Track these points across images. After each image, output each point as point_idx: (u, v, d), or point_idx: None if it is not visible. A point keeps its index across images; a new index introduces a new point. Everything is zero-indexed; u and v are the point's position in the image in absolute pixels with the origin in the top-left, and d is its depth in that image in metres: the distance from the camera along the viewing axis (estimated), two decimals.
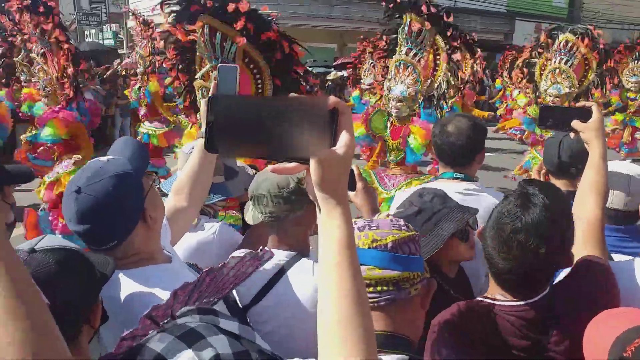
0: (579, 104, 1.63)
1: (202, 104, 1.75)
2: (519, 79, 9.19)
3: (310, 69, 15.32)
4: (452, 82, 4.21)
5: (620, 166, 1.98)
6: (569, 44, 4.83)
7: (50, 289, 0.96)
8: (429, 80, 4.09)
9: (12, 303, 0.68)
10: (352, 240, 0.80)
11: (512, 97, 11.05)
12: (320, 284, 0.81)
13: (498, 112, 12.65)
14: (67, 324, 0.86)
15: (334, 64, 16.78)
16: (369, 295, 1.08)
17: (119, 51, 19.14)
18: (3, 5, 4.49)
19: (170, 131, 7.27)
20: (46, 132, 4.51)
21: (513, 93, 11.08)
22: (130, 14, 8.18)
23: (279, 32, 2.88)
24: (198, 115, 3.05)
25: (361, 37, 10.80)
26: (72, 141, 4.60)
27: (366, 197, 1.76)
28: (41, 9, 4.27)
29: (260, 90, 2.97)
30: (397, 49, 4.06)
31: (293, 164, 0.78)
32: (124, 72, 11.17)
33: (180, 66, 3.15)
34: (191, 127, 3.91)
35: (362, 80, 10.63)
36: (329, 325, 0.78)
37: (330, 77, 15.79)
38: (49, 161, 4.73)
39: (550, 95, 4.93)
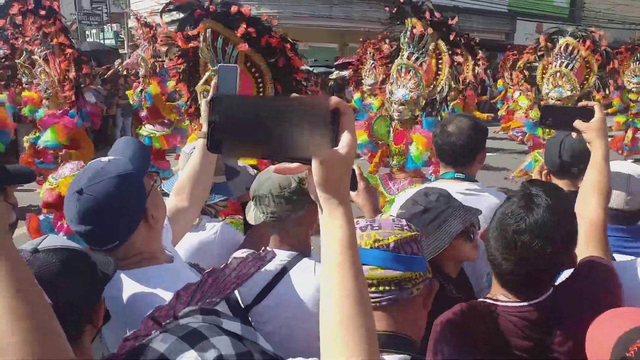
0: (581, 104, 1.63)
1: (203, 104, 1.75)
2: (520, 80, 9.19)
3: (311, 68, 15.37)
4: (454, 86, 4.22)
5: (621, 166, 1.98)
6: (570, 47, 4.84)
7: (54, 288, 0.96)
8: (432, 85, 4.11)
9: (15, 303, 0.68)
10: (354, 240, 0.80)
11: (513, 99, 11.05)
12: (323, 284, 0.81)
13: (499, 113, 12.67)
14: (70, 323, 0.86)
15: (335, 63, 16.79)
16: (371, 295, 1.08)
17: (120, 51, 19.15)
18: (4, 8, 4.51)
19: (171, 133, 7.29)
20: (47, 137, 4.64)
21: (514, 94, 11.08)
22: (130, 14, 8.20)
23: (280, 37, 2.90)
24: (201, 120, 3.07)
25: (360, 39, 10.81)
26: (73, 143, 4.68)
27: (368, 197, 1.76)
28: (43, 13, 4.30)
29: (261, 94, 2.99)
30: (400, 53, 4.09)
31: (295, 164, 0.78)
32: (125, 72, 11.17)
33: (182, 76, 3.17)
34: (194, 131, 3.96)
35: (363, 81, 10.64)
36: (331, 325, 0.78)
37: (333, 76, 15.80)
38: (52, 164, 4.89)
39: (552, 99, 4.94)
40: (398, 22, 4.03)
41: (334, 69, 16.48)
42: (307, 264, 1.67)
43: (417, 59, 3.98)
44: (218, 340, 0.79)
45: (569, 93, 4.89)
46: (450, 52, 3.97)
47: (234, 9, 2.80)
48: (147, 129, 7.44)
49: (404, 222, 1.20)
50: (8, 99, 7.78)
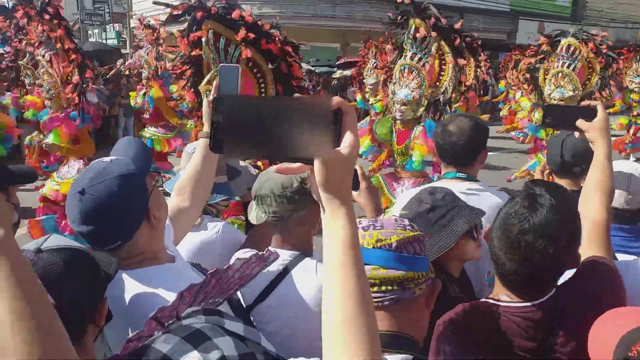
0: (583, 103, 1.62)
1: (205, 105, 1.75)
2: (522, 80, 9.17)
3: (313, 68, 15.36)
4: (457, 88, 4.23)
5: (621, 165, 1.97)
6: (572, 48, 4.84)
7: (57, 288, 0.96)
8: (435, 85, 4.11)
9: (18, 303, 0.68)
10: (356, 240, 0.80)
11: (515, 100, 11.04)
12: (325, 284, 0.81)
13: (501, 114, 12.68)
14: (72, 323, 0.86)
15: (337, 63, 16.79)
16: (373, 295, 1.08)
17: (122, 51, 19.17)
18: (10, 11, 4.53)
19: (173, 137, 7.32)
20: (49, 140, 4.71)
21: (516, 95, 11.07)
22: (132, 15, 8.22)
23: (281, 42, 2.94)
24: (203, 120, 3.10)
25: (362, 41, 10.80)
26: (75, 144, 4.77)
27: (370, 197, 1.76)
28: (47, 17, 4.32)
29: (263, 94, 3.02)
30: (402, 53, 4.10)
31: (297, 164, 0.78)
32: (127, 72, 11.19)
33: (189, 82, 3.19)
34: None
35: (364, 81, 10.63)
36: (333, 325, 0.78)
37: (336, 75, 15.80)
38: (56, 166, 5.01)
39: (554, 100, 4.94)
40: (400, 27, 4.04)
41: (336, 68, 16.47)
42: (308, 263, 1.67)
43: (419, 59, 3.99)
44: (221, 341, 0.79)
45: (571, 93, 4.89)
46: (453, 53, 3.99)
47: (235, 14, 2.84)
48: (150, 131, 7.46)
49: (406, 222, 1.20)
50: (12, 103, 7.84)
